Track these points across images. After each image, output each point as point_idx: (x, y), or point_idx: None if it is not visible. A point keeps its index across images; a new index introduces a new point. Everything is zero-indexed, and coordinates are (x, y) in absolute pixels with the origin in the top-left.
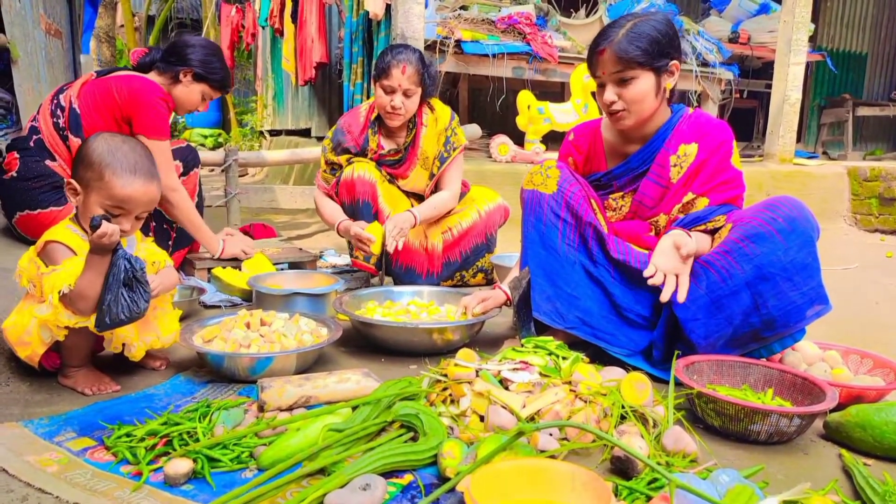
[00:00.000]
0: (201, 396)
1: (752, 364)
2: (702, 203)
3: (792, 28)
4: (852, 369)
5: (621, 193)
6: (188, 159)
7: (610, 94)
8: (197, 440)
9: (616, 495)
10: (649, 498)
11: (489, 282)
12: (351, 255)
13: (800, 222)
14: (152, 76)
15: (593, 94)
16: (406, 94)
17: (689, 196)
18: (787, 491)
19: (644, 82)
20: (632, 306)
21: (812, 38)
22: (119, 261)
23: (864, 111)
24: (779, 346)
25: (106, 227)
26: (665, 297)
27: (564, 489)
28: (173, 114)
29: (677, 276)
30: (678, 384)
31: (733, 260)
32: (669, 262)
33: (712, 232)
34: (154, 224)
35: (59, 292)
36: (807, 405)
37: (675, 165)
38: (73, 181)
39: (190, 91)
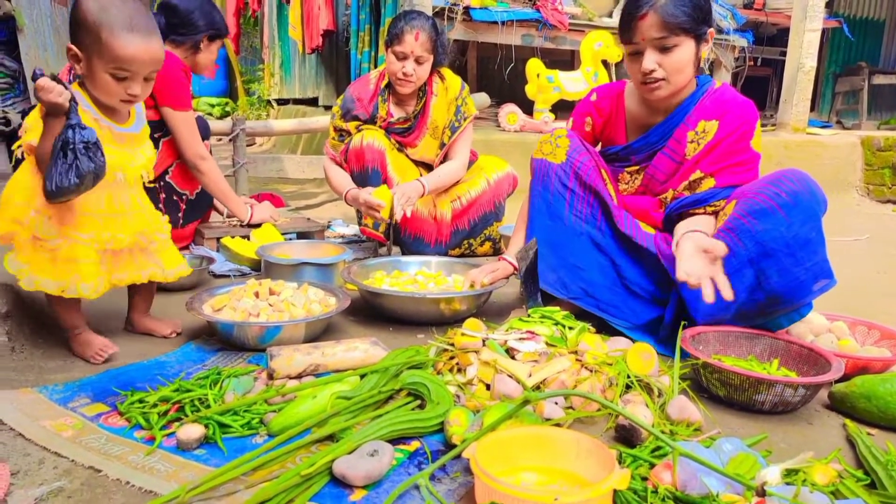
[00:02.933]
0: (212, 364)
1: (758, 335)
2: (708, 184)
3: None
4: (859, 340)
5: (637, 167)
6: (200, 130)
7: (650, 61)
8: (208, 406)
9: (620, 462)
10: (652, 465)
11: (496, 251)
12: (359, 224)
13: (803, 196)
14: (167, 48)
15: (604, 62)
16: (418, 62)
17: (698, 174)
18: (790, 460)
19: (686, 50)
20: (637, 280)
21: (828, 4)
22: (66, 129)
23: (880, 79)
24: (785, 320)
25: (44, 82)
26: (708, 298)
27: (569, 456)
28: None
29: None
30: (684, 355)
31: (736, 237)
32: (700, 268)
33: (716, 213)
34: (164, 196)
35: (21, 146)
36: (812, 376)
37: (692, 142)
38: (72, 46)
39: (210, 52)
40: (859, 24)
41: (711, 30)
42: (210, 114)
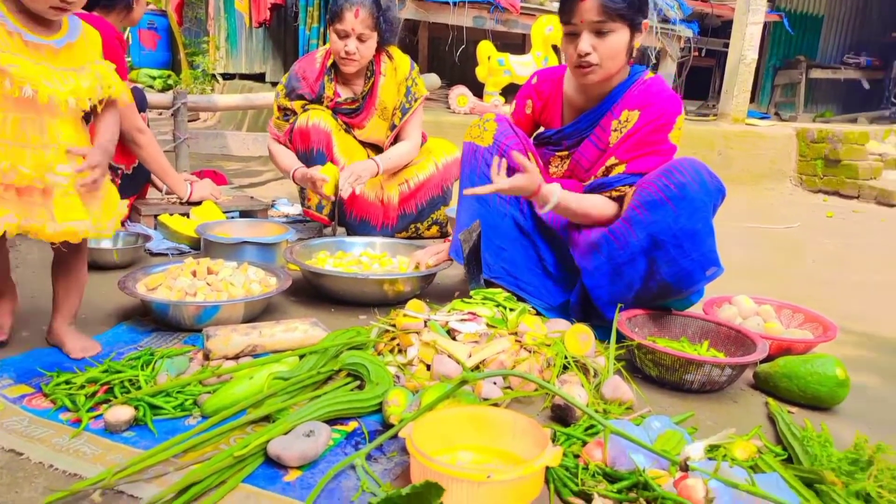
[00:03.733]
0: (145, 345)
1: (691, 317)
2: (619, 170)
3: None
4: (785, 323)
5: (567, 152)
6: (137, 101)
7: (586, 44)
8: (139, 388)
9: (554, 441)
10: (585, 443)
11: (444, 234)
12: (303, 206)
13: (691, 188)
14: (98, 14)
15: (554, 47)
16: (360, 39)
17: (613, 160)
18: (713, 436)
19: (621, 37)
20: (553, 263)
21: None
22: None
23: (816, 73)
24: (679, 305)
25: None
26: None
27: (505, 435)
28: None
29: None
30: (620, 337)
31: (630, 227)
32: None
33: (620, 199)
34: None
35: None
36: (739, 356)
37: (615, 130)
38: None
39: (140, 6)
40: (799, 18)
41: (646, 21)
42: (151, 86)
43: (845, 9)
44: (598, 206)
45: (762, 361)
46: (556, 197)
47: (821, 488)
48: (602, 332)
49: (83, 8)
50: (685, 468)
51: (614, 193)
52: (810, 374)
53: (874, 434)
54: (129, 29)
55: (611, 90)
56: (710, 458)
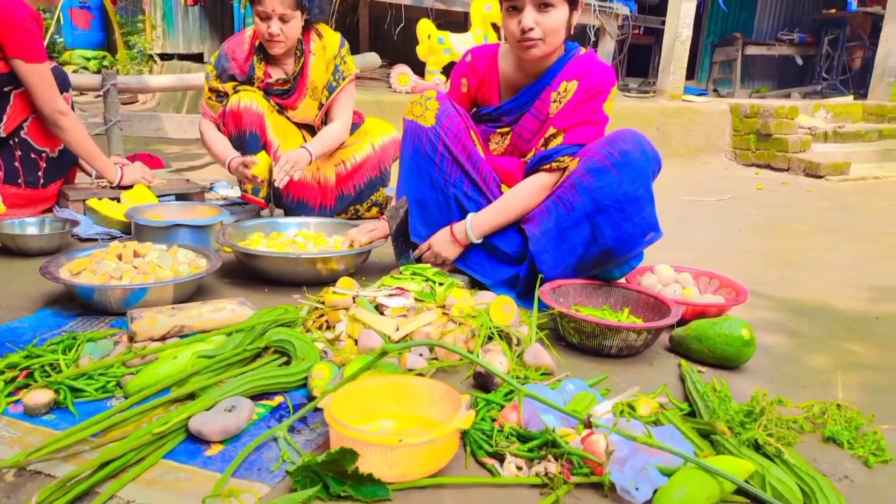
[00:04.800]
0: (69, 329)
1: (614, 286)
2: (557, 140)
3: None
4: (702, 289)
5: (508, 128)
6: (58, 82)
7: (529, 19)
8: (60, 372)
9: (475, 406)
10: (503, 407)
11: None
12: (241, 189)
13: (633, 156)
14: None
15: (493, 25)
16: (283, 20)
17: (551, 130)
18: (620, 395)
19: (562, 13)
20: (498, 242)
21: None
22: None
23: (752, 50)
24: (618, 271)
25: None
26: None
27: (423, 402)
28: (49, 33)
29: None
30: (543, 306)
31: (576, 192)
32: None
33: (562, 169)
34: (20, 153)
35: None
36: (655, 321)
37: (554, 101)
38: None
39: None
40: None
41: (583, 0)
42: (86, 68)
43: None
44: (527, 194)
45: (678, 325)
46: (470, 223)
47: (715, 438)
48: (541, 305)
49: None
50: (589, 425)
51: (555, 165)
52: (718, 336)
53: (778, 389)
54: (59, 8)
55: (550, 66)
56: (620, 412)
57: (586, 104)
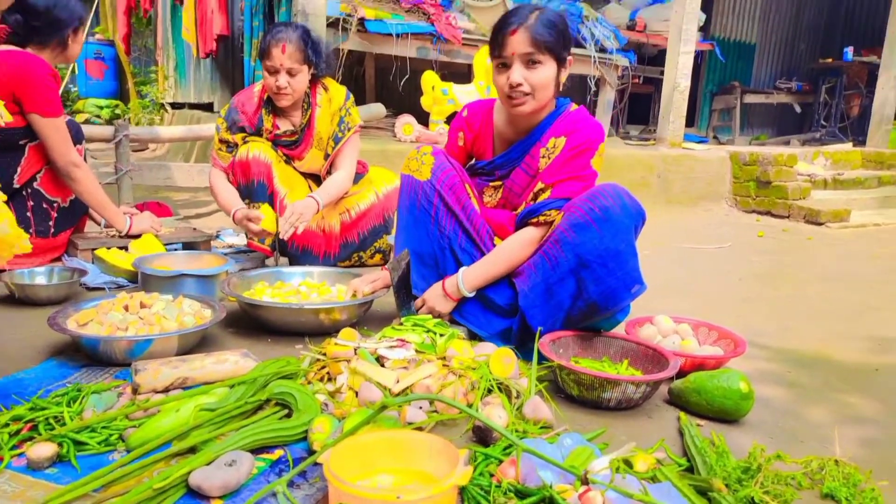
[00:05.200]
0: (74, 380)
1: (613, 337)
2: (545, 195)
3: (682, 19)
4: (701, 340)
5: (500, 182)
6: (72, 134)
7: (517, 74)
8: (64, 424)
9: (474, 461)
10: (502, 462)
11: (387, 262)
12: (247, 237)
13: (614, 211)
14: (32, 51)
15: None
16: (290, 74)
17: (540, 185)
18: (618, 450)
19: (549, 69)
20: (491, 294)
21: (705, 27)
22: None
23: (750, 98)
24: (606, 325)
25: None
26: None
27: (422, 457)
28: (64, 82)
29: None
30: (543, 358)
31: (560, 248)
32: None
33: (548, 223)
34: (32, 203)
35: None
36: (654, 374)
37: (543, 157)
38: None
39: (77, 42)
40: (733, 46)
41: (571, 57)
42: (98, 116)
43: (775, 37)
44: (515, 248)
45: (677, 377)
46: (461, 277)
47: (712, 495)
48: (540, 356)
49: (17, 44)
50: (586, 481)
51: (542, 219)
52: (717, 389)
53: (777, 444)
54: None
55: (539, 122)
56: (616, 469)
57: (574, 160)
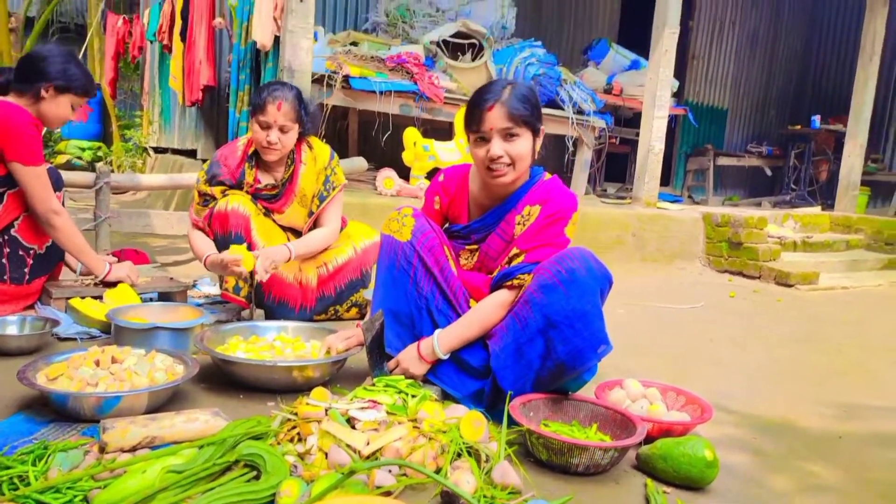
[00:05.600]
0: (41, 437)
1: (582, 401)
2: (519, 259)
3: (656, 85)
4: (669, 405)
5: (476, 246)
6: (52, 182)
7: (498, 148)
8: (28, 484)
9: None
10: None
11: (363, 315)
12: (221, 288)
13: (579, 273)
14: (12, 98)
15: None
16: (282, 130)
17: (515, 251)
18: None
19: (526, 141)
20: (465, 356)
21: (679, 93)
22: None
23: (723, 161)
24: (574, 385)
25: None
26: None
27: None
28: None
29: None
30: (513, 422)
31: (529, 308)
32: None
33: (521, 286)
34: (8, 250)
35: None
36: (623, 439)
37: (518, 224)
38: None
39: (57, 104)
40: (706, 111)
41: (543, 127)
42: (80, 157)
43: (746, 103)
44: (488, 310)
45: (645, 442)
46: (437, 339)
47: None
48: (511, 419)
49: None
50: None
51: (515, 282)
52: (682, 456)
53: None
54: None
55: (515, 189)
56: None
57: (548, 228)
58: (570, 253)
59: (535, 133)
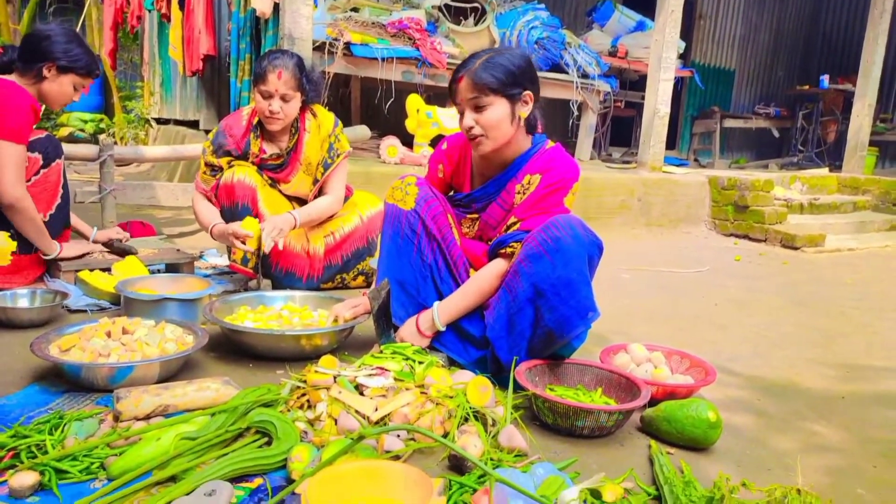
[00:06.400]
0: (56, 407)
1: (587, 365)
2: (515, 227)
3: (662, 47)
4: (673, 368)
5: (476, 214)
6: (48, 151)
7: (468, 119)
8: (46, 453)
9: (449, 489)
10: (476, 490)
11: (369, 284)
12: (229, 258)
13: (565, 241)
14: (14, 77)
15: None
16: (284, 99)
17: (513, 219)
18: (588, 480)
19: (498, 109)
20: (466, 326)
21: (685, 54)
22: None
23: (730, 123)
24: (565, 352)
25: None
26: None
27: (397, 487)
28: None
29: None
30: (518, 387)
31: (518, 278)
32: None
33: (511, 256)
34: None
35: None
36: (627, 402)
37: (518, 192)
38: None
39: (59, 84)
40: (713, 72)
41: (528, 93)
42: (83, 130)
43: (754, 64)
44: (484, 280)
45: (649, 405)
46: (436, 311)
47: None
48: (516, 384)
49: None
50: None
51: (508, 251)
52: (686, 418)
53: (743, 472)
54: None
55: (515, 158)
56: (583, 501)
57: (548, 197)
58: (557, 221)
59: (512, 99)
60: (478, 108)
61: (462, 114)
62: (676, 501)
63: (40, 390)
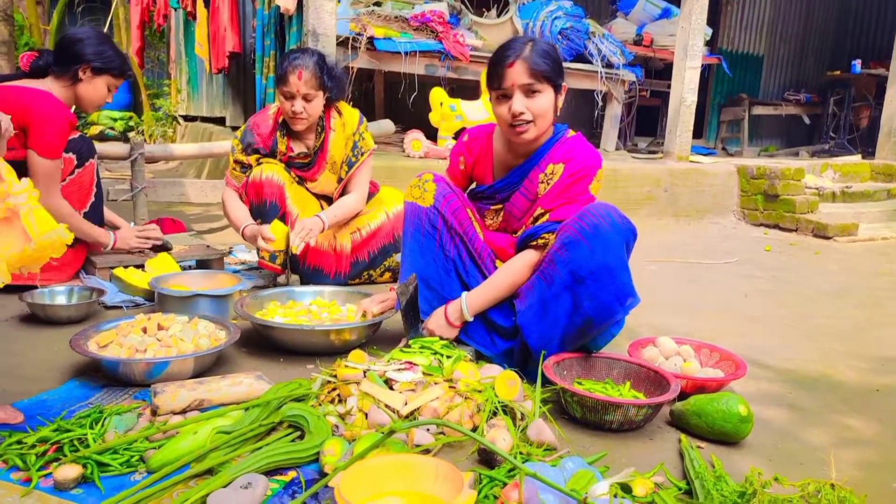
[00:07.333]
0: (96, 401)
1: (616, 359)
2: (544, 218)
3: (689, 34)
4: (703, 362)
5: (500, 205)
6: (82, 150)
7: (519, 104)
8: (87, 446)
9: (479, 483)
10: (506, 484)
11: (396, 280)
12: (258, 255)
13: (602, 228)
14: (48, 82)
15: None
16: (306, 99)
17: (539, 210)
18: (618, 474)
19: (548, 97)
20: (494, 316)
21: (712, 41)
22: None
23: (759, 110)
24: (601, 340)
25: None
26: None
27: (428, 481)
28: None
29: None
30: (547, 381)
31: (555, 266)
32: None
33: (546, 246)
34: None
35: None
36: (656, 396)
37: (542, 182)
38: None
39: (94, 86)
40: (740, 58)
41: (565, 84)
42: (112, 128)
43: (783, 49)
44: (514, 271)
45: (679, 399)
46: (465, 301)
47: None
48: (544, 378)
49: (34, 75)
50: None
51: (540, 242)
52: (716, 412)
53: (775, 467)
54: None
55: (538, 147)
56: (614, 496)
57: (573, 186)
58: (593, 208)
59: (557, 90)
60: (530, 94)
61: (507, 98)
62: (708, 496)
63: (80, 385)
